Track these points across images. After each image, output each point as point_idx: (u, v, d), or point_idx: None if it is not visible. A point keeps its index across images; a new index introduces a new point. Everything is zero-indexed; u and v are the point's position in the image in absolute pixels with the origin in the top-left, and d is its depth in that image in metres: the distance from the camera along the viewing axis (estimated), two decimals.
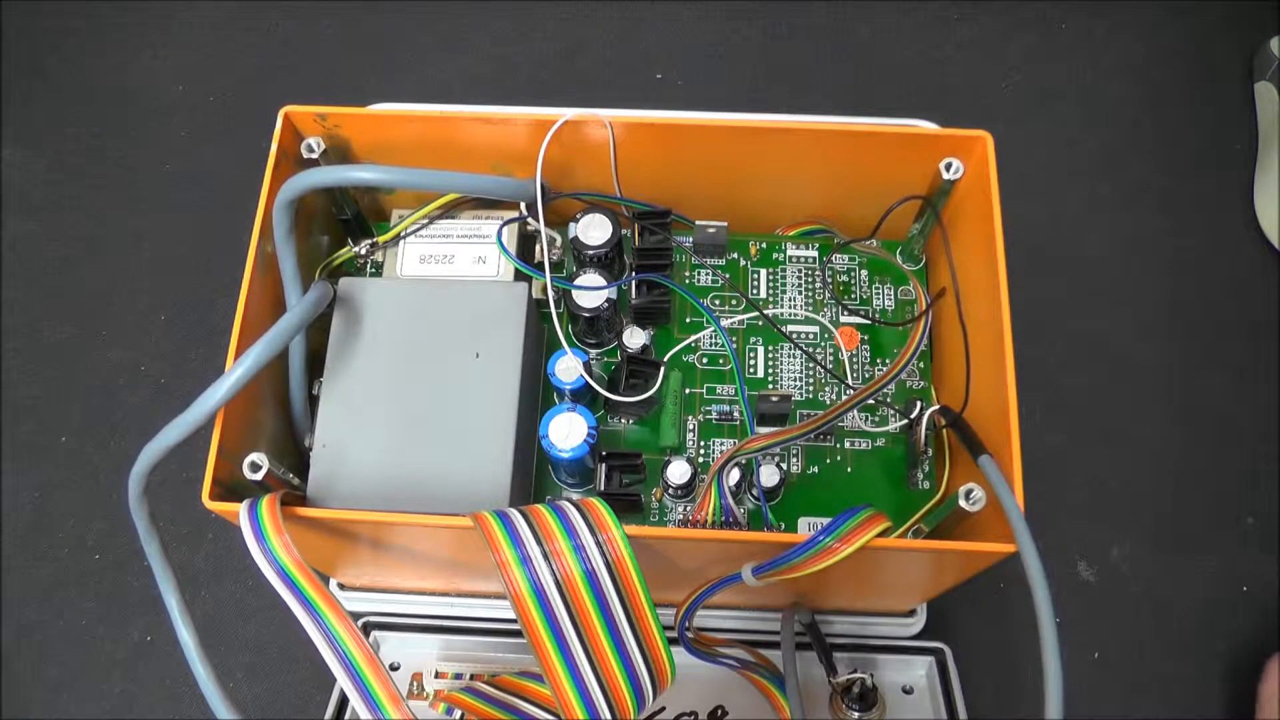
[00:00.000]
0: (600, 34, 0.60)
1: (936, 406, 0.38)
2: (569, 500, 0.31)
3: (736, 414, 0.42)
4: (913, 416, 0.39)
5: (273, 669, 0.46)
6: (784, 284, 0.44)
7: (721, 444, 0.42)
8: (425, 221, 0.42)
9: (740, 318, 0.44)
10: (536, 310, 0.41)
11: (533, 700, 0.37)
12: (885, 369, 0.42)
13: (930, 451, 0.41)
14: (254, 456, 0.33)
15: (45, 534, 0.49)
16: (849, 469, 0.41)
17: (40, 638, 0.47)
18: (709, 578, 0.35)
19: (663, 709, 0.42)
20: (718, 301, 0.44)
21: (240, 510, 0.31)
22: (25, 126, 0.58)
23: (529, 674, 0.39)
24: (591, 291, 0.40)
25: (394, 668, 0.43)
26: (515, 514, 0.30)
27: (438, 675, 0.43)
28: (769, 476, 0.39)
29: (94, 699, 0.46)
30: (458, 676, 0.43)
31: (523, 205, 0.41)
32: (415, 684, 0.43)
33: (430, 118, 0.39)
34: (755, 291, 0.44)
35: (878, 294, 0.44)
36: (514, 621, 0.38)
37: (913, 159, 0.39)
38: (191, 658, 0.31)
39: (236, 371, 0.32)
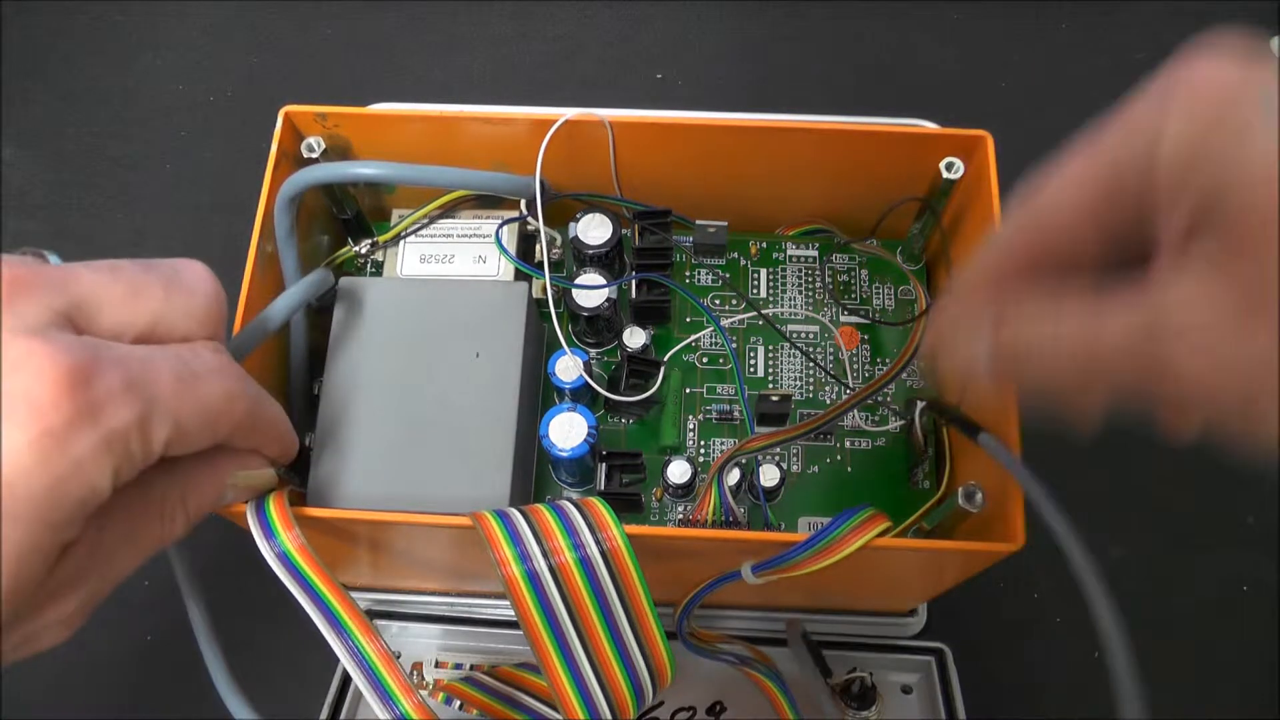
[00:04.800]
0: (600, 34, 0.60)
1: (924, 403, 0.38)
2: (569, 499, 0.31)
3: (736, 414, 0.42)
4: (910, 417, 0.39)
5: (272, 668, 0.46)
6: (784, 284, 0.44)
7: (721, 444, 0.42)
8: (425, 221, 0.42)
9: (740, 317, 0.44)
10: (536, 310, 0.41)
11: (533, 692, 0.37)
12: (885, 369, 0.42)
13: (930, 451, 0.41)
14: None
15: None
16: (849, 469, 0.41)
17: None
18: (709, 577, 0.35)
19: (661, 704, 0.42)
20: (718, 301, 0.44)
21: (247, 510, 0.31)
22: (25, 126, 0.58)
23: (529, 665, 0.39)
24: (591, 291, 0.40)
25: (394, 657, 0.43)
26: (515, 513, 0.30)
27: (438, 665, 0.43)
28: (769, 476, 0.39)
29: (94, 697, 0.46)
30: (458, 667, 0.43)
31: (523, 204, 0.41)
32: (415, 674, 0.42)
33: (430, 117, 0.39)
34: (755, 291, 0.44)
35: (878, 294, 0.44)
36: (514, 620, 0.38)
37: (913, 159, 0.39)
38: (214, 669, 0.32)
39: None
